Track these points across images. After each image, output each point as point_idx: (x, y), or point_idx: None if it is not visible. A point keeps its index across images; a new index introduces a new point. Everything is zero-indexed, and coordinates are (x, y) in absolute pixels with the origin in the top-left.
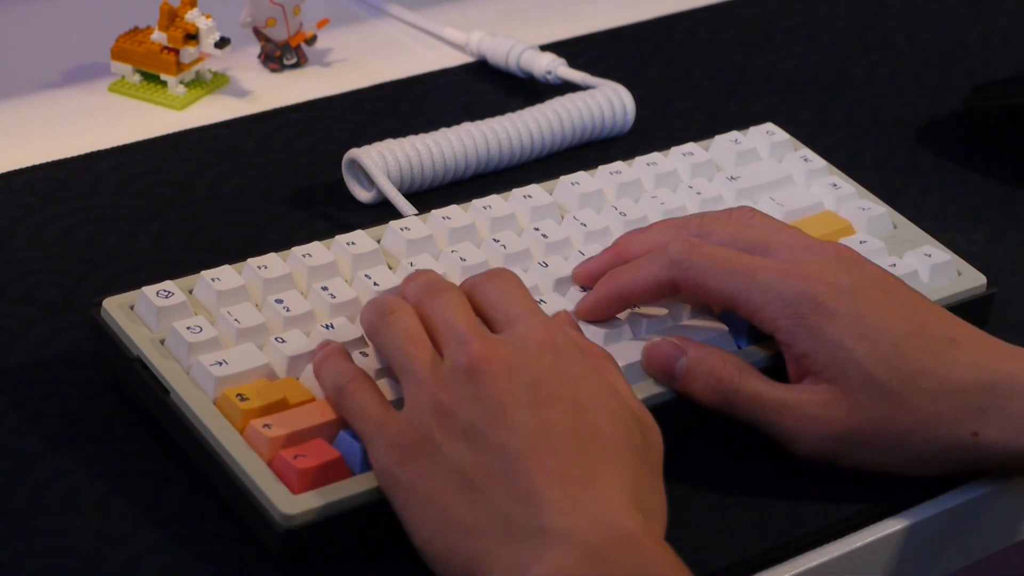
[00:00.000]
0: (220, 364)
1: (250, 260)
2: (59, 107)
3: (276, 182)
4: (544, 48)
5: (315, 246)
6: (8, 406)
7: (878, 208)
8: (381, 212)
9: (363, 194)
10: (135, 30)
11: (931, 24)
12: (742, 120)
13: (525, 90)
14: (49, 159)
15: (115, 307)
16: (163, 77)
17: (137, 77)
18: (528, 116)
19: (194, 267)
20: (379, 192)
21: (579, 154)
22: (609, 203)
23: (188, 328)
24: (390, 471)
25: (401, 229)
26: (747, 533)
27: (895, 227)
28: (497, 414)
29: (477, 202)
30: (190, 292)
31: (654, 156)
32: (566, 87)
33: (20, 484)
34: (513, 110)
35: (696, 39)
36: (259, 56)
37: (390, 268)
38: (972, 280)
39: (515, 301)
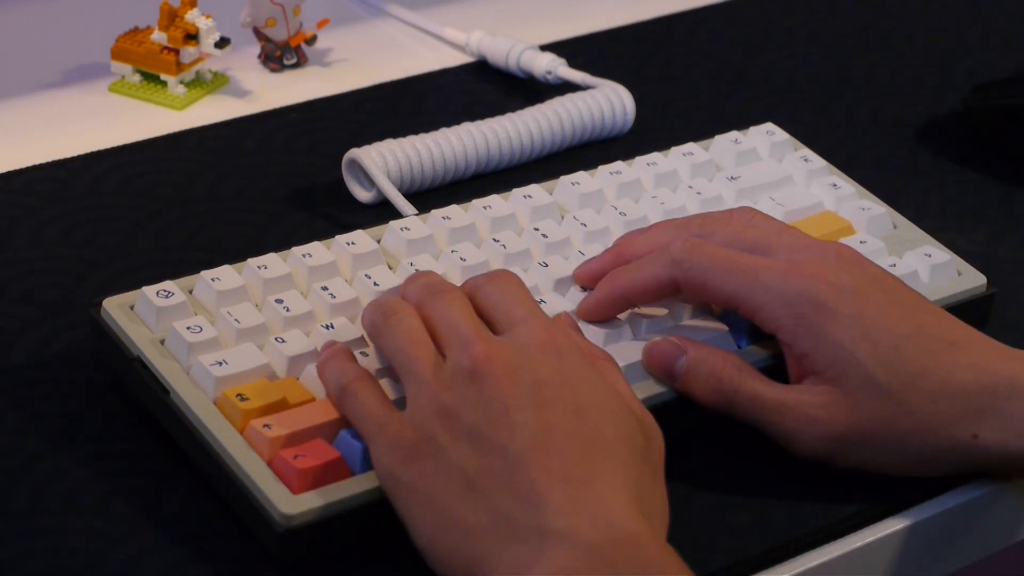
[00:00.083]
0: (220, 364)
1: (250, 260)
2: (59, 107)
3: (276, 182)
4: (544, 48)
5: (315, 246)
6: (8, 406)
7: (878, 208)
8: (381, 212)
9: (363, 194)
10: (135, 30)
11: (931, 24)
12: (742, 120)
13: (525, 90)
14: (49, 159)
15: (115, 307)
16: (163, 77)
17: (137, 77)
18: (528, 116)
19: (194, 267)
20: (379, 192)
21: (579, 154)
22: (609, 203)
23: (188, 328)
24: (392, 471)
25: (401, 229)
26: (747, 533)
27: (895, 227)
28: (500, 416)
29: (477, 202)
30: (190, 292)
31: (654, 156)
32: (566, 87)
33: (20, 484)
34: (513, 110)
35: (696, 39)
36: (259, 56)
37: (390, 268)
38: (972, 280)
39: (517, 302)
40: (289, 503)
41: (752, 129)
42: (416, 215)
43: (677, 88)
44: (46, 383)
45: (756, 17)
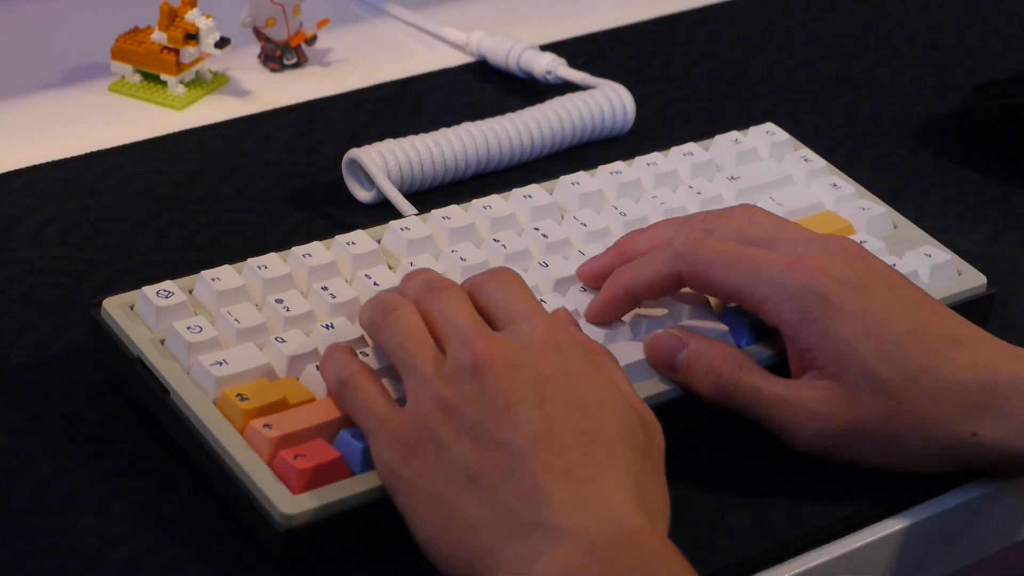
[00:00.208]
0: (220, 364)
1: (250, 260)
2: (59, 107)
3: (276, 182)
4: (544, 48)
5: (315, 246)
6: (8, 406)
7: (878, 208)
8: (381, 212)
9: (363, 194)
10: (135, 30)
11: (931, 24)
12: (742, 120)
13: (525, 90)
14: (49, 159)
15: (115, 307)
16: (163, 77)
17: (137, 77)
18: (528, 116)
19: (194, 267)
20: (379, 192)
21: (579, 154)
22: (609, 203)
23: (188, 328)
24: (392, 467)
25: (401, 229)
26: (747, 533)
27: (895, 227)
28: (502, 412)
29: (477, 202)
30: (190, 292)
31: (654, 156)
32: (566, 87)
33: (20, 484)
34: (513, 110)
35: (696, 39)
36: (259, 56)
37: (390, 268)
38: (972, 280)
39: (517, 299)
40: (289, 503)
41: (752, 129)
42: (416, 215)
43: (677, 88)
44: (46, 383)
45: (756, 17)
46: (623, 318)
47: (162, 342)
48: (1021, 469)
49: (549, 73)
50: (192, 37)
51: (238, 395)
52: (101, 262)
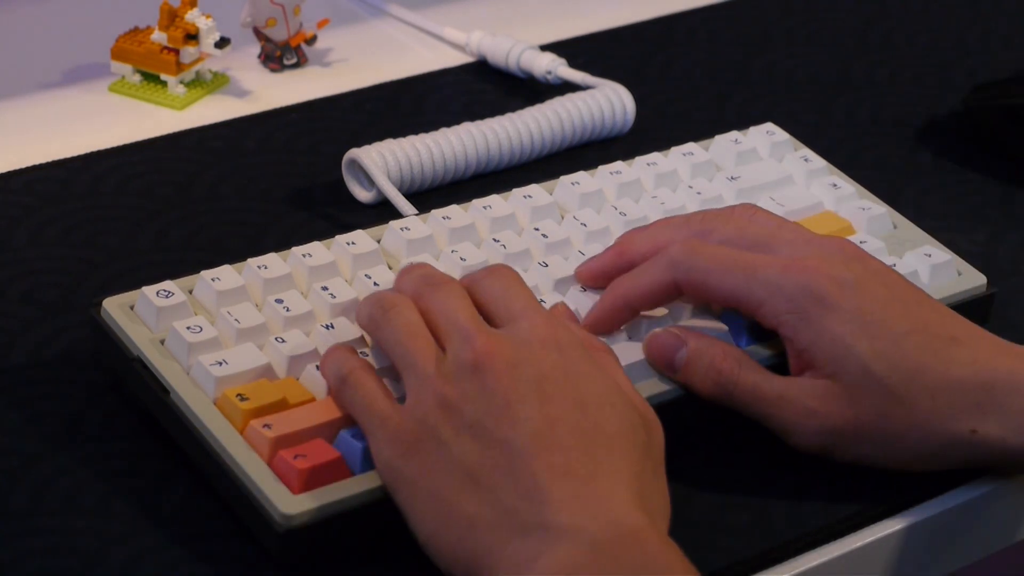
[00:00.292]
0: (220, 364)
1: (250, 260)
2: (59, 107)
3: (276, 182)
4: (544, 48)
5: (315, 246)
6: (8, 406)
7: (878, 208)
8: (381, 212)
9: (363, 194)
10: (135, 30)
11: (931, 24)
12: (742, 120)
13: (525, 90)
14: (49, 159)
15: (115, 307)
16: (163, 77)
17: (137, 77)
18: (528, 116)
19: (194, 267)
20: (379, 192)
21: (579, 154)
22: (609, 203)
23: (188, 328)
24: (392, 465)
25: (401, 229)
26: (747, 533)
27: (895, 227)
28: (502, 410)
29: (477, 202)
30: (190, 292)
31: (654, 156)
32: (566, 87)
33: (20, 484)
34: (513, 110)
35: (696, 39)
36: (259, 56)
37: (390, 268)
38: (972, 280)
39: (517, 297)
40: (289, 503)
41: (752, 129)
42: (416, 215)
43: (677, 88)
44: (46, 383)
45: (756, 17)
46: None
47: (162, 342)
48: (1021, 467)
49: (549, 73)
50: (192, 37)
51: (238, 395)
52: (101, 262)
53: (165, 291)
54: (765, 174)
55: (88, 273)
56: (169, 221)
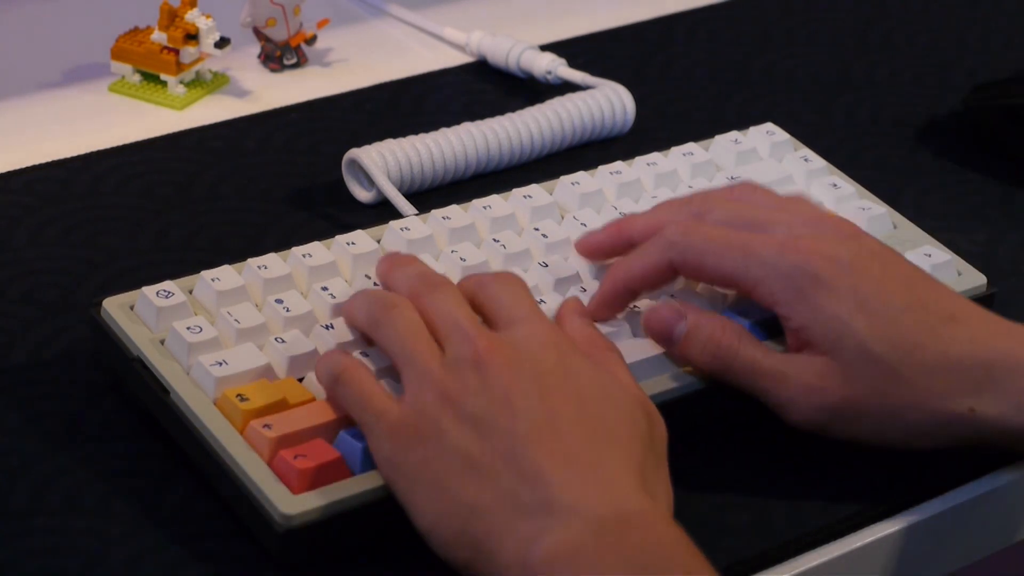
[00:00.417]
0: (220, 364)
1: (250, 260)
2: (59, 107)
3: (276, 182)
4: (544, 48)
5: (315, 246)
6: (8, 406)
7: (878, 208)
8: (381, 212)
9: (363, 194)
10: (135, 30)
11: (931, 24)
12: (742, 120)
13: (525, 90)
14: (49, 159)
15: (115, 307)
16: (163, 77)
17: (137, 77)
18: (528, 116)
19: (194, 267)
20: (379, 192)
21: (579, 154)
22: (609, 203)
23: (188, 328)
24: (392, 458)
25: (401, 229)
26: (747, 533)
27: (895, 227)
28: (503, 402)
29: (477, 202)
30: (190, 292)
31: (654, 156)
32: (566, 87)
33: (20, 484)
34: (513, 110)
35: (696, 39)
36: (259, 56)
37: None
38: (972, 280)
39: (521, 303)
40: (289, 503)
41: (752, 129)
42: (416, 215)
43: (677, 88)
44: (46, 383)
45: (756, 17)
46: (623, 316)
47: (162, 342)
48: (1019, 445)
49: (549, 73)
50: (192, 37)
51: (238, 395)
52: (101, 262)
53: (165, 291)
54: (765, 174)
55: (88, 273)
56: (169, 221)
